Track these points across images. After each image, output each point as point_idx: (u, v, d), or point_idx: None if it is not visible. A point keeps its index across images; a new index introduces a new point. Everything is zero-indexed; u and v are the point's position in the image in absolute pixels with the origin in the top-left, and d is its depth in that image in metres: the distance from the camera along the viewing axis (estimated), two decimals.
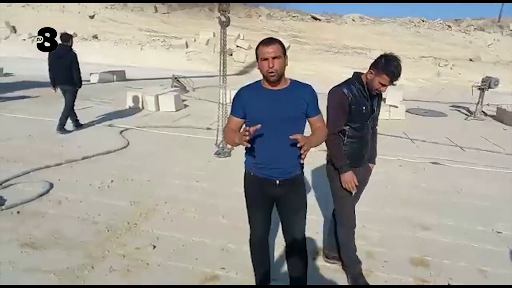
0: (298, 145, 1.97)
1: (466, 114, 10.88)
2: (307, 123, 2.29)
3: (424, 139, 7.50)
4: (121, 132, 6.89)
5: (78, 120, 7.12)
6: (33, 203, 3.89)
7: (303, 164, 2.32)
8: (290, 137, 1.98)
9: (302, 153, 2.00)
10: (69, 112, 6.86)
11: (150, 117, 8.51)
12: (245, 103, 2.19)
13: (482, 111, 10.51)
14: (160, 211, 3.89)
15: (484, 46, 21.30)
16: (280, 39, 2.19)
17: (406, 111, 10.20)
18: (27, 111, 8.18)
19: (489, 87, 10.25)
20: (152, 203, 4.07)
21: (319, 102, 2.27)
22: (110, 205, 3.95)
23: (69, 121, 6.91)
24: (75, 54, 6.65)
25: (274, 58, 2.05)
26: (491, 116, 10.62)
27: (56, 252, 3.07)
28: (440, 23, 23.82)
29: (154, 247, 3.22)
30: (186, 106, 9.93)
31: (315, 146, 2.22)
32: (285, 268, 2.95)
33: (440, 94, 15.49)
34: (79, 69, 6.69)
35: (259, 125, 1.99)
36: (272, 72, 2.06)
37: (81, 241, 3.26)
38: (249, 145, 2.00)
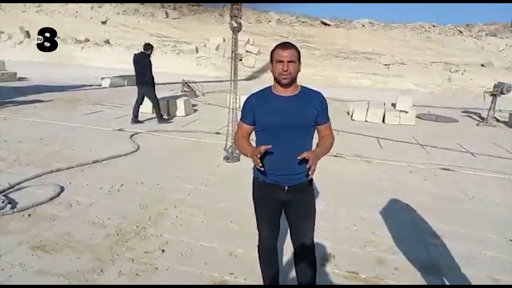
0: (307, 165, 2.01)
1: (477, 120, 10.75)
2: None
3: (435, 145, 7.42)
4: (132, 136, 6.95)
5: (162, 116, 8.37)
6: (44, 206, 3.93)
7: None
8: (298, 158, 2.02)
9: (309, 172, 2.03)
10: (158, 105, 8.21)
11: None
12: (254, 109, 2.19)
13: (494, 117, 10.39)
14: (169, 215, 3.91)
15: (496, 52, 21.06)
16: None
17: (417, 116, 10.12)
18: (40, 115, 8.30)
19: (502, 93, 10.14)
20: (161, 207, 4.08)
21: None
22: (119, 209, 3.97)
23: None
24: (150, 61, 7.83)
25: (289, 62, 2.07)
26: (503, 122, 10.48)
27: (66, 255, 3.10)
28: (451, 28, 23.62)
29: (163, 251, 3.23)
30: (195, 110, 9.99)
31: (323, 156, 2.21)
32: (293, 273, 2.94)
33: (451, 100, 15.34)
34: (151, 73, 7.87)
35: (270, 146, 2.04)
36: (285, 75, 2.08)
37: (91, 244, 3.28)
38: (262, 169, 2.06)
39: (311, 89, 2.25)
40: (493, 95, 10.28)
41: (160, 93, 10.61)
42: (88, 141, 6.51)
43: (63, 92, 11.96)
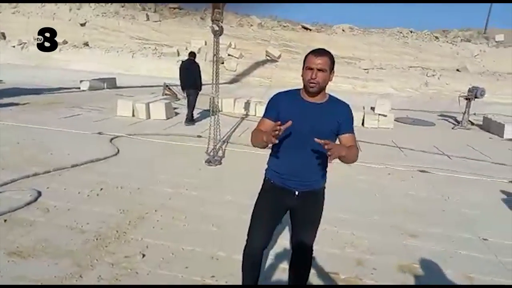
0: (327, 146, 1.82)
1: (453, 124, 11.07)
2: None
3: (412, 147, 7.61)
4: (111, 140, 6.85)
5: (192, 117, 8.94)
6: (20, 211, 3.84)
7: (325, 177, 2.28)
8: (316, 140, 1.88)
9: (328, 151, 1.83)
10: (193, 108, 8.88)
11: (140, 125, 8.49)
12: (280, 108, 2.16)
13: (469, 120, 10.72)
14: (150, 219, 3.88)
15: (471, 57, 21.71)
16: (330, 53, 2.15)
17: (395, 120, 10.35)
18: (16, 119, 8.09)
19: (476, 97, 10.49)
20: (141, 211, 4.04)
21: None
22: (99, 213, 3.92)
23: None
24: (198, 66, 8.68)
25: (319, 70, 2.03)
26: (478, 125, 10.82)
27: (44, 261, 3.03)
28: (428, 34, 24.22)
29: (144, 255, 3.21)
30: (177, 114, 9.94)
31: (344, 161, 2.02)
32: (275, 276, 2.96)
33: (428, 104, 15.73)
34: (200, 76, 8.66)
35: (290, 122, 1.92)
36: (313, 83, 2.05)
37: (69, 249, 3.23)
38: (276, 141, 1.87)
39: (338, 99, 2.22)
40: (468, 99, 10.61)
41: (141, 96, 10.54)
42: (66, 145, 6.39)
43: (41, 95, 11.69)
